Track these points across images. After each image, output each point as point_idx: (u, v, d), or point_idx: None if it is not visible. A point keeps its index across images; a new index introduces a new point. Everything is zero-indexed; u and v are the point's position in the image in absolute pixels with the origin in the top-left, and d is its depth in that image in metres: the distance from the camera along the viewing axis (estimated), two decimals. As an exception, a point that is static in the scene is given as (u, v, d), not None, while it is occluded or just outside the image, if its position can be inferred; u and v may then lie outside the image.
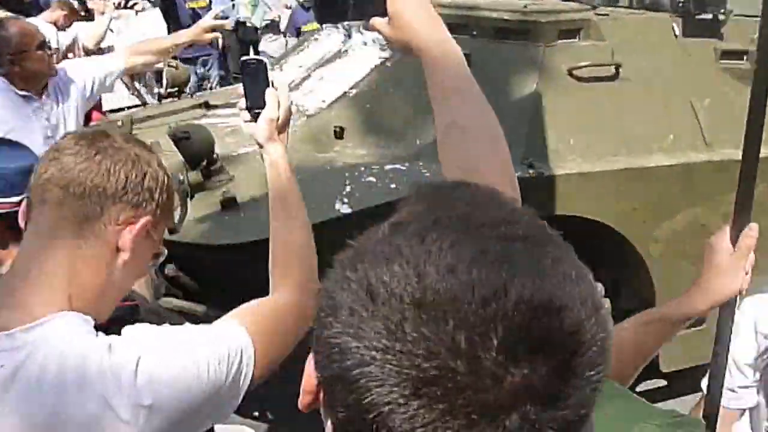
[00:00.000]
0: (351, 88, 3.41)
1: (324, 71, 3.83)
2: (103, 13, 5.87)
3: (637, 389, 4.14)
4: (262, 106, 1.50)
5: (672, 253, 3.51)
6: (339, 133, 3.26)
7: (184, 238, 2.88)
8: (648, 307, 3.55)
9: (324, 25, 4.54)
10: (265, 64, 1.54)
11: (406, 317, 0.53)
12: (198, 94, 4.65)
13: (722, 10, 3.61)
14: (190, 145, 3.02)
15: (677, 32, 3.69)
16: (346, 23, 3.98)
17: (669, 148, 3.50)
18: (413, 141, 3.25)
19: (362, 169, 3.08)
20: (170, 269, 3.02)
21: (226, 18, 8.23)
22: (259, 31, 8.32)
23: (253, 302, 1.40)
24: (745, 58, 3.76)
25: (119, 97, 6.06)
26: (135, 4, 6.17)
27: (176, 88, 4.52)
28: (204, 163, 3.10)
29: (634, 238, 3.39)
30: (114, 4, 5.86)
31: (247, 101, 1.53)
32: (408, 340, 0.53)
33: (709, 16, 3.66)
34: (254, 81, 1.51)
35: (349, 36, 3.95)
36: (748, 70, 3.76)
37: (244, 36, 8.46)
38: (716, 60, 3.71)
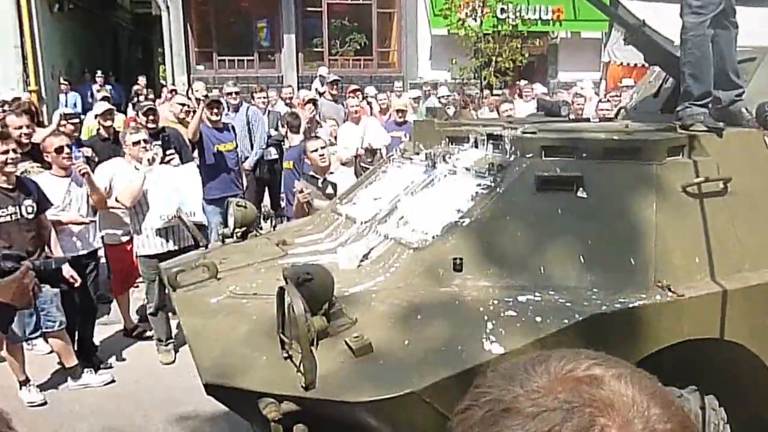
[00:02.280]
0: (462, 218, 3.26)
1: (412, 202, 3.70)
2: (139, 163, 5.75)
3: None
4: None
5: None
6: (458, 266, 3.09)
7: (317, 393, 2.62)
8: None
9: (391, 158, 4.47)
10: None
11: None
12: (262, 232, 4.48)
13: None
14: (312, 288, 2.82)
15: (768, 145, 3.66)
16: (431, 153, 3.88)
17: (784, 262, 3.40)
18: (536, 270, 3.09)
19: (496, 302, 2.90)
20: (299, 430, 2.73)
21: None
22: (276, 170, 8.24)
23: None
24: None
25: (153, 242, 5.87)
26: (172, 158, 6.09)
27: (244, 228, 4.36)
28: (325, 306, 2.89)
29: (765, 356, 3.23)
30: (149, 159, 5.73)
31: None
32: None
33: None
34: None
35: (434, 165, 3.85)
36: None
37: (261, 175, 8.40)
38: (811, 171, 3.67)
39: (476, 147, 3.79)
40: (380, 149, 7.97)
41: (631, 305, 2.88)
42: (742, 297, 3.15)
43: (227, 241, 4.42)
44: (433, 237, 3.31)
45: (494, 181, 3.40)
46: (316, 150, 6.16)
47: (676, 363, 3.20)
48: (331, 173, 6.23)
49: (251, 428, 3.44)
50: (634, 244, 3.13)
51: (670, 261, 3.14)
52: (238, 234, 4.39)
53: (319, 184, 5.96)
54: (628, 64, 13.88)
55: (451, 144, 4.00)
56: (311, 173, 6.24)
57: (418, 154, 4.09)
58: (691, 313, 3.02)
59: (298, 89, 12.24)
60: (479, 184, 3.48)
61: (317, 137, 6.75)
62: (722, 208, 3.37)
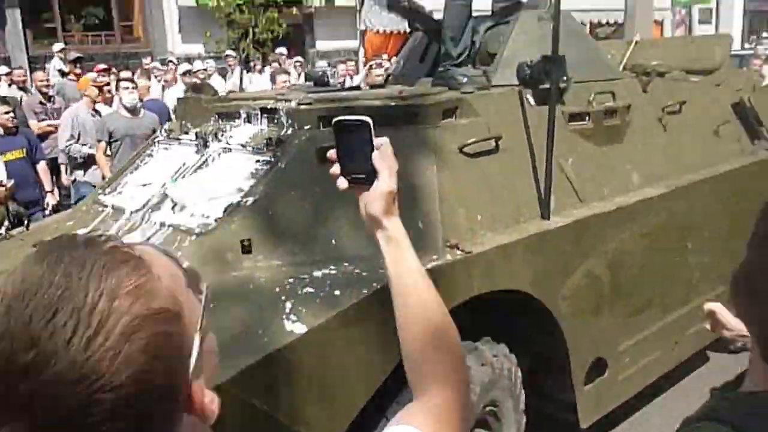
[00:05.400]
0: (245, 197, 3.11)
1: (187, 185, 3.48)
2: None
3: None
4: (368, 170, 1.29)
5: (576, 307, 3.58)
6: (247, 247, 2.94)
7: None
8: (554, 363, 3.63)
9: (155, 140, 4.17)
10: (370, 125, 1.30)
11: None
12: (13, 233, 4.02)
13: (564, 78, 3.81)
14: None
15: (531, 102, 3.84)
16: (201, 131, 3.66)
17: (555, 209, 3.59)
18: (328, 243, 3.02)
19: (291, 280, 2.80)
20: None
21: None
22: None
23: (417, 406, 1.21)
24: (587, 118, 4.01)
25: None
26: None
27: None
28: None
29: (547, 301, 3.41)
30: None
31: (343, 165, 1.31)
32: None
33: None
34: (355, 142, 1.30)
35: (206, 144, 3.64)
36: (591, 129, 4.03)
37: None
38: (566, 123, 3.90)
39: (249, 122, 3.63)
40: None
41: (425, 268, 2.89)
42: (522, 247, 3.29)
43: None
44: (216, 220, 3.13)
45: (274, 156, 3.27)
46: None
47: (470, 317, 3.30)
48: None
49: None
50: (421, 207, 3.15)
51: (455, 221, 3.20)
52: (-22, 240, 3.89)
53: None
54: (385, 32, 14.24)
55: (222, 120, 3.80)
56: None
57: (186, 133, 3.85)
58: (480, 269, 3.11)
59: (31, 71, 11.10)
60: (258, 161, 3.33)
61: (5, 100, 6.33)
62: (496, 165, 3.50)
